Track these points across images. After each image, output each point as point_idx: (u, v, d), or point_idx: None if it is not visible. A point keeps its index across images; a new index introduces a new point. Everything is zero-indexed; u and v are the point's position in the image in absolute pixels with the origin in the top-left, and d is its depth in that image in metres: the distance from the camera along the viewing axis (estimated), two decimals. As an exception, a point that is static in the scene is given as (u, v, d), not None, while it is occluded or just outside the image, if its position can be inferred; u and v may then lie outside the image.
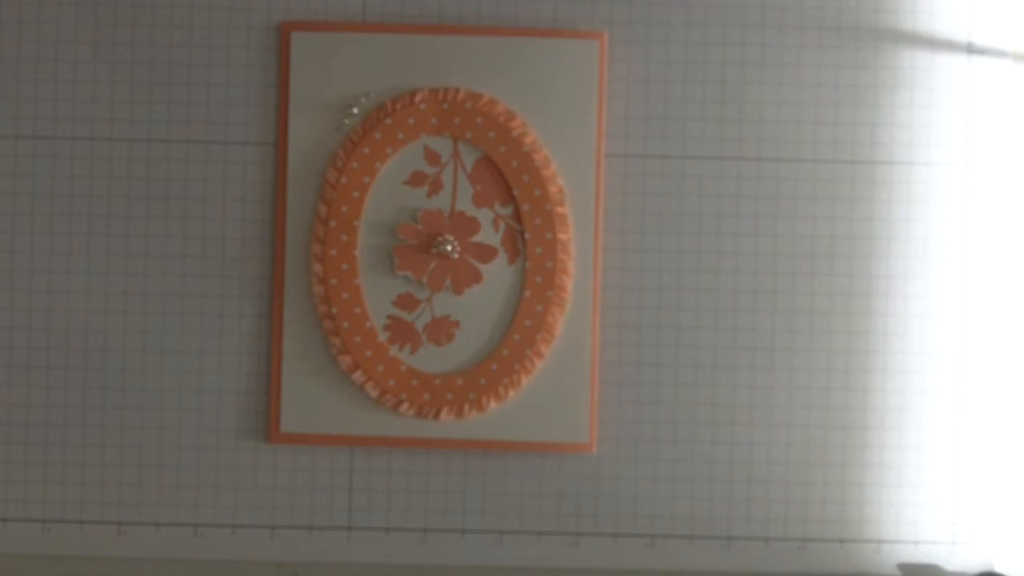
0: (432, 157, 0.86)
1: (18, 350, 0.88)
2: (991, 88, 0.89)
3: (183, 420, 0.88)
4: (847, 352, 0.88)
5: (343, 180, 0.85)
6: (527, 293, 0.85)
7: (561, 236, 0.86)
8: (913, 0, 0.89)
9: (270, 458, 0.88)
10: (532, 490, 0.88)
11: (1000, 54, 0.89)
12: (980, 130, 0.89)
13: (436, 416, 0.85)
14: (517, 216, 0.86)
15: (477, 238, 0.86)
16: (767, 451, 0.88)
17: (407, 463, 0.88)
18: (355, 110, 0.85)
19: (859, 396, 0.88)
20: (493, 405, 0.85)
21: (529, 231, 0.86)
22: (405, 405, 0.85)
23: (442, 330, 0.85)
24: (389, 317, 0.85)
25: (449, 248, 0.85)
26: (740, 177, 0.88)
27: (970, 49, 0.89)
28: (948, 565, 0.88)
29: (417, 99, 0.86)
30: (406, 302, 0.85)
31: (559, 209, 0.85)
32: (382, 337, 0.85)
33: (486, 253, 0.86)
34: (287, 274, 0.85)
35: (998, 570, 0.88)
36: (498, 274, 0.86)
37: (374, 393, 0.85)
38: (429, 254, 0.85)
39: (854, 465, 0.88)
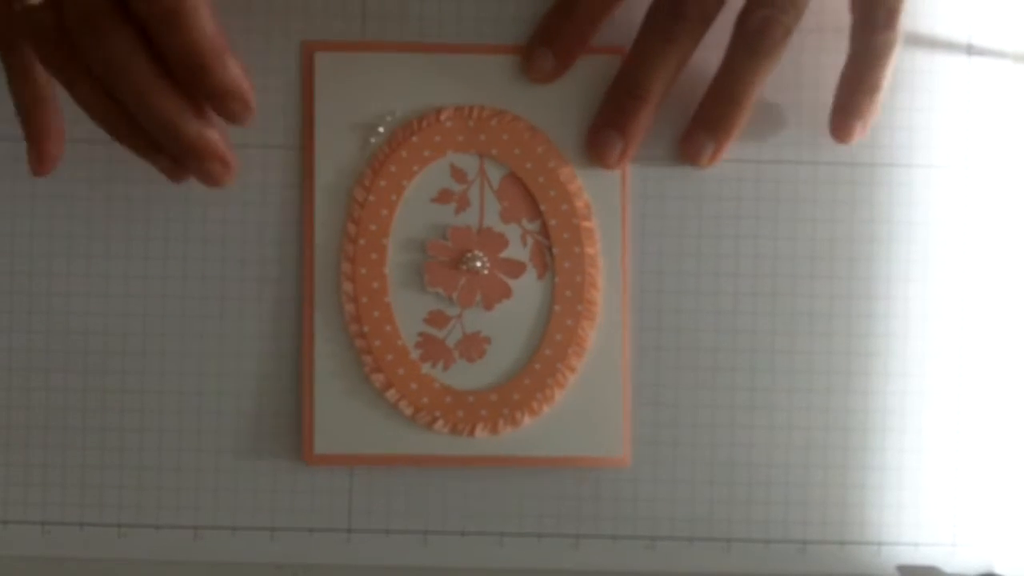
0: (458, 174, 0.86)
1: (18, 352, 0.88)
2: (991, 89, 0.89)
3: (184, 424, 0.88)
4: (847, 354, 0.88)
5: (371, 198, 0.85)
6: (557, 307, 0.85)
7: (589, 250, 0.85)
8: (912, 1, 0.88)
9: (279, 468, 0.88)
10: (532, 491, 0.88)
11: (1000, 55, 0.89)
12: (980, 131, 0.89)
13: (471, 433, 0.84)
14: (545, 231, 0.85)
15: (506, 253, 0.85)
16: (767, 453, 0.88)
17: (407, 465, 0.88)
18: (381, 129, 0.85)
19: (859, 398, 0.88)
20: (528, 420, 0.85)
21: (557, 246, 0.85)
22: (440, 423, 0.84)
23: (474, 346, 0.85)
24: (420, 335, 0.84)
25: (479, 264, 0.84)
26: (740, 179, 0.88)
27: (970, 50, 0.89)
28: (948, 567, 0.88)
29: (443, 117, 0.85)
30: (437, 319, 0.85)
31: (586, 223, 0.85)
32: (414, 355, 0.84)
33: (515, 268, 0.85)
34: (316, 293, 0.85)
35: (998, 572, 0.88)
36: (528, 289, 0.86)
37: (408, 411, 0.84)
38: (459, 270, 0.85)
39: (854, 467, 0.88)
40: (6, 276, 0.88)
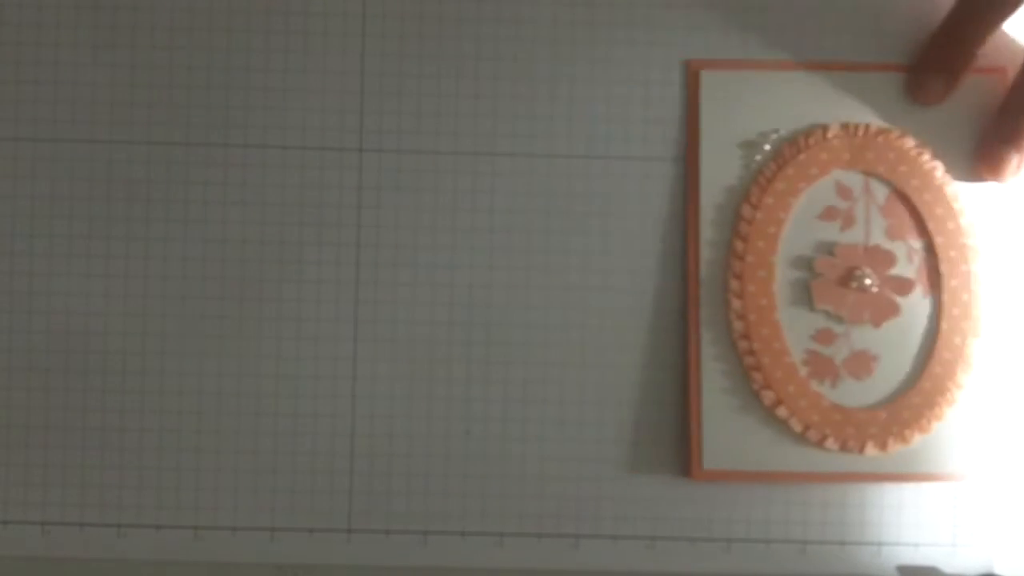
0: (844, 192, 0.86)
1: (18, 352, 0.88)
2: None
3: (183, 424, 0.88)
4: (847, 354, 0.88)
5: (758, 216, 0.85)
6: (945, 325, 0.85)
7: (976, 268, 0.86)
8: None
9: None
10: (532, 492, 0.88)
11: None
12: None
13: (861, 451, 0.85)
14: (931, 248, 0.86)
15: (894, 271, 0.86)
16: (767, 453, 0.88)
17: (406, 466, 0.88)
18: (767, 146, 0.85)
19: (859, 398, 0.88)
20: (917, 438, 0.85)
21: (944, 263, 0.85)
22: (830, 440, 0.84)
23: (861, 364, 0.85)
24: (808, 352, 0.85)
25: (868, 282, 0.84)
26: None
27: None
28: (948, 567, 0.88)
29: (829, 134, 0.85)
30: (824, 336, 0.85)
31: (972, 241, 0.86)
32: (802, 372, 0.85)
33: (904, 286, 0.85)
34: (703, 310, 0.85)
35: (998, 572, 0.88)
36: (915, 307, 0.86)
37: (798, 428, 0.84)
38: (847, 288, 0.85)
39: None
40: (6, 276, 0.88)
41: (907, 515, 0.88)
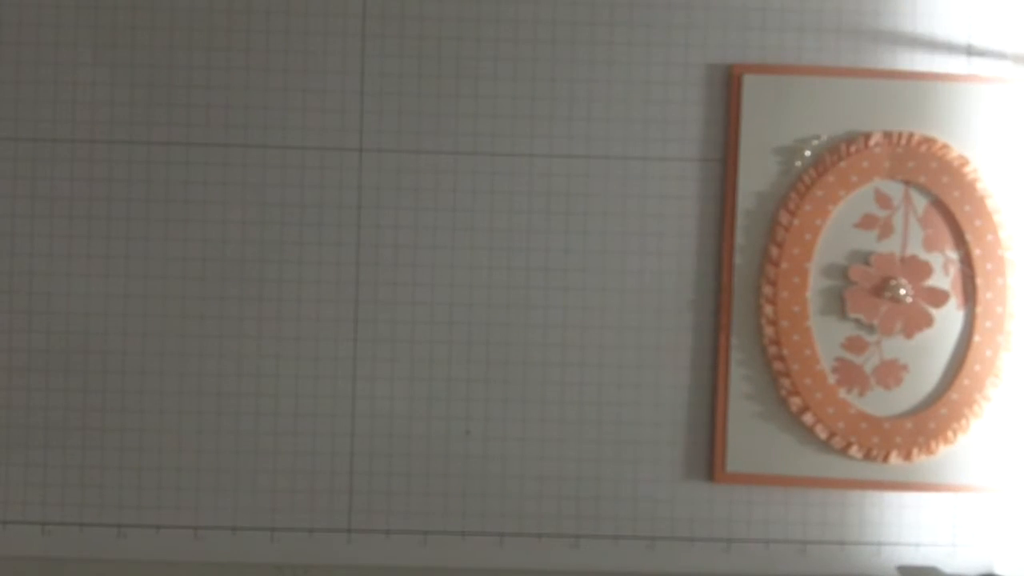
0: (883, 200, 0.86)
1: (18, 352, 0.88)
2: (991, 90, 0.89)
3: (183, 425, 0.88)
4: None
5: (795, 222, 0.86)
6: (977, 338, 0.86)
7: (1012, 281, 0.86)
8: (913, 3, 0.89)
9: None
10: (532, 492, 0.88)
11: (1000, 56, 0.89)
12: (980, 132, 0.89)
13: (885, 459, 0.85)
14: (968, 260, 0.86)
15: (929, 282, 0.86)
16: (767, 453, 0.88)
17: (406, 466, 0.88)
18: (807, 153, 0.85)
19: (859, 398, 0.88)
20: (942, 449, 0.86)
21: (980, 276, 0.86)
22: (855, 448, 0.85)
23: (891, 373, 0.86)
24: (837, 360, 0.85)
25: (903, 292, 0.85)
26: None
27: (970, 51, 0.89)
28: (948, 567, 0.88)
29: (871, 142, 0.86)
30: (855, 345, 0.86)
31: (1011, 254, 0.86)
32: (831, 379, 0.85)
33: (937, 297, 0.86)
34: (734, 315, 0.86)
35: (998, 572, 0.88)
36: (948, 318, 0.86)
37: (823, 435, 0.85)
38: (881, 297, 0.85)
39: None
40: (6, 276, 0.88)
41: (907, 515, 0.88)
